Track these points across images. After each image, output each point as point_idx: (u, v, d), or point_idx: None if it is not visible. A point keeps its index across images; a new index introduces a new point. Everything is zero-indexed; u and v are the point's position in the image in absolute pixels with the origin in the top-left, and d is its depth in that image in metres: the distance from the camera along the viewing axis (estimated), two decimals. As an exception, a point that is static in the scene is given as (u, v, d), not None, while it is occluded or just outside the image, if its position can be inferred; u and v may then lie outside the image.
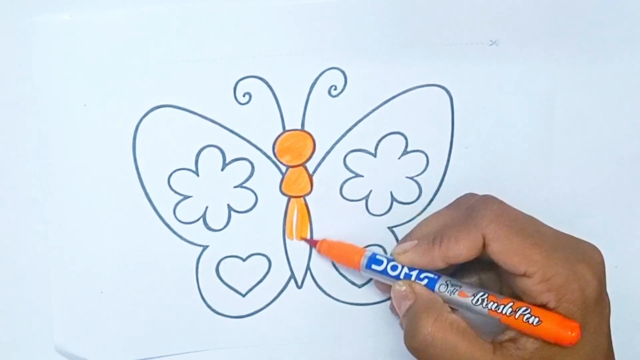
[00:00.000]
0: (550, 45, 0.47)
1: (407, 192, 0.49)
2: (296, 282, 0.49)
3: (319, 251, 0.48)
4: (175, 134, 0.46)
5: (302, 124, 0.47)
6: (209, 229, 0.48)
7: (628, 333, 0.50)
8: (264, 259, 0.49)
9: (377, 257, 0.45)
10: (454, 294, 0.43)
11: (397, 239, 0.49)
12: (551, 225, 0.43)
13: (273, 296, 0.49)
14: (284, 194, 0.48)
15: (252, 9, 0.44)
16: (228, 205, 0.47)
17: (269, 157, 0.47)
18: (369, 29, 0.45)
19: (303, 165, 0.48)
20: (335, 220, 0.48)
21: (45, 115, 0.45)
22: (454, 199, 0.46)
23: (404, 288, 0.43)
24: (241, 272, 0.48)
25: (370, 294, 0.50)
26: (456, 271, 0.45)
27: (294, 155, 0.47)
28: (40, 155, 0.45)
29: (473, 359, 0.40)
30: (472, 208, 0.42)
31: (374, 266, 0.45)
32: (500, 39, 0.46)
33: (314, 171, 0.48)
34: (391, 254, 0.45)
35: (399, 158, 0.48)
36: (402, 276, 0.44)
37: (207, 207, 0.47)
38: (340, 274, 0.49)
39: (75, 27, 0.43)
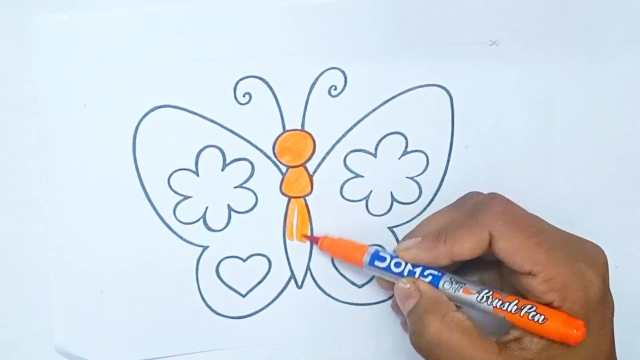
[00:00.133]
0: (550, 45, 0.47)
1: (407, 192, 0.49)
2: (296, 282, 0.49)
3: (320, 248, 0.47)
4: (175, 134, 0.46)
5: (302, 124, 0.47)
6: (209, 229, 0.48)
7: (628, 333, 0.50)
8: (264, 259, 0.49)
9: (381, 253, 0.45)
10: (458, 291, 0.42)
11: (397, 239, 0.49)
12: (552, 225, 0.43)
13: (273, 296, 0.49)
14: (284, 194, 0.48)
15: (252, 9, 0.44)
16: (228, 205, 0.47)
17: (269, 158, 0.47)
18: (369, 29, 0.45)
19: (303, 165, 0.47)
20: (336, 220, 0.48)
21: (45, 115, 0.45)
22: (454, 199, 0.46)
23: (408, 286, 0.43)
24: (241, 272, 0.48)
25: (370, 294, 0.50)
26: (457, 270, 0.45)
27: (294, 156, 0.47)
28: (40, 155, 0.45)
29: (479, 358, 0.40)
30: (478, 205, 0.42)
31: (377, 263, 0.45)
32: (500, 39, 0.46)
33: (314, 171, 0.48)
34: (394, 251, 0.45)
35: (399, 158, 0.48)
36: (405, 273, 0.44)
37: (207, 208, 0.47)
38: (340, 274, 0.49)
39: (75, 27, 0.43)
